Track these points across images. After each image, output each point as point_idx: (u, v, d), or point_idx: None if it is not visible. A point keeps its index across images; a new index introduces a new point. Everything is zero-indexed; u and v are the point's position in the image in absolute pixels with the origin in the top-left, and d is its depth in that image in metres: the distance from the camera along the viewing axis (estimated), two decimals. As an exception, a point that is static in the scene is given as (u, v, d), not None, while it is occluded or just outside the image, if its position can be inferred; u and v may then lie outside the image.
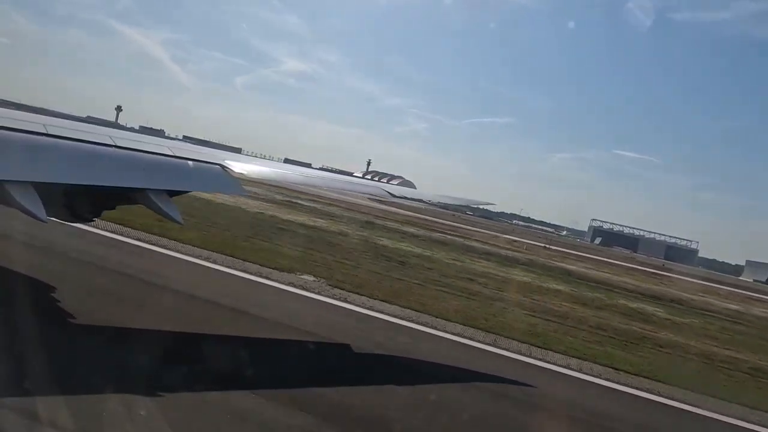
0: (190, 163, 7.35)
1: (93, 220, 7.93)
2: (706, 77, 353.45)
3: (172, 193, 6.87)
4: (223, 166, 7.64)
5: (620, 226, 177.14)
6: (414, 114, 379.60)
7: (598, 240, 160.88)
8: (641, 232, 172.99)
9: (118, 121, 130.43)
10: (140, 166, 6.71)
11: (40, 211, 5.13)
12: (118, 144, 6.79)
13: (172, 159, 7.24)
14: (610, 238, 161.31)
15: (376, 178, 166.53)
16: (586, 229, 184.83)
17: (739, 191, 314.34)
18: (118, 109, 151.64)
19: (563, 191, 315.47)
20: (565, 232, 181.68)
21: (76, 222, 8.63)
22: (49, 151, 5.97)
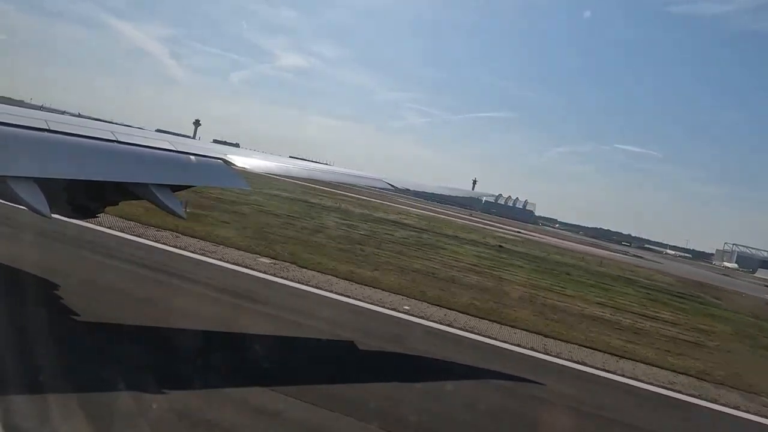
0: (192, 157, 7.34)
1: (97, 216, 7.95)
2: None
3: (175, 188, 6.88)
4: (225, 161, 7.64)
5: (756, 249, 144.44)
6: (412, 108, 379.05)
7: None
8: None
9: (196, 136, 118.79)
10: (142, 161, 6.71)
11: (44, 207, 5.13)
12: (120, 139, 6.78)
13: (174, 154, 7.23)
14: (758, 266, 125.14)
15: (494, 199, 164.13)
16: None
17: None
18: (196, 123, 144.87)
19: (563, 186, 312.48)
20: (730, 264, 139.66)
21: (79, 218, 8.64)
22: (51, 147, 5.97)
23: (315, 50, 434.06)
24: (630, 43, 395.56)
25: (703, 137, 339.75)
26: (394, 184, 10.31)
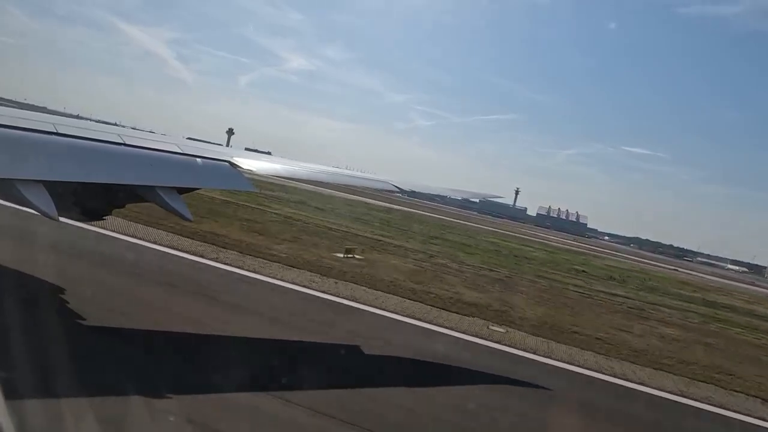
0: (198, 160, 7.35)
1: (104, 219, 7.97)
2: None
3: (182, 190, 6.88)
4: (231, 163, 7.65)
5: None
6: (419, 110, 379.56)
7: None
8: None
9: (229, 145, 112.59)
10: (149, 164, 6.72)
11: (52, 209, 5.14)
12: (128, 142, 6.80)
13: (181, 156, 7.24)
14: None
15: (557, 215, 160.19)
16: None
17: None
18: (230, 132, 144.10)
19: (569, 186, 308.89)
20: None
21: (86, 221, 8.67)
22: (58, 150, 5.99)
23: (321, 53, 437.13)
24: (637, 45, 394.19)
25: (731, 141, 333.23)
26: (400, 186, 10.30)
